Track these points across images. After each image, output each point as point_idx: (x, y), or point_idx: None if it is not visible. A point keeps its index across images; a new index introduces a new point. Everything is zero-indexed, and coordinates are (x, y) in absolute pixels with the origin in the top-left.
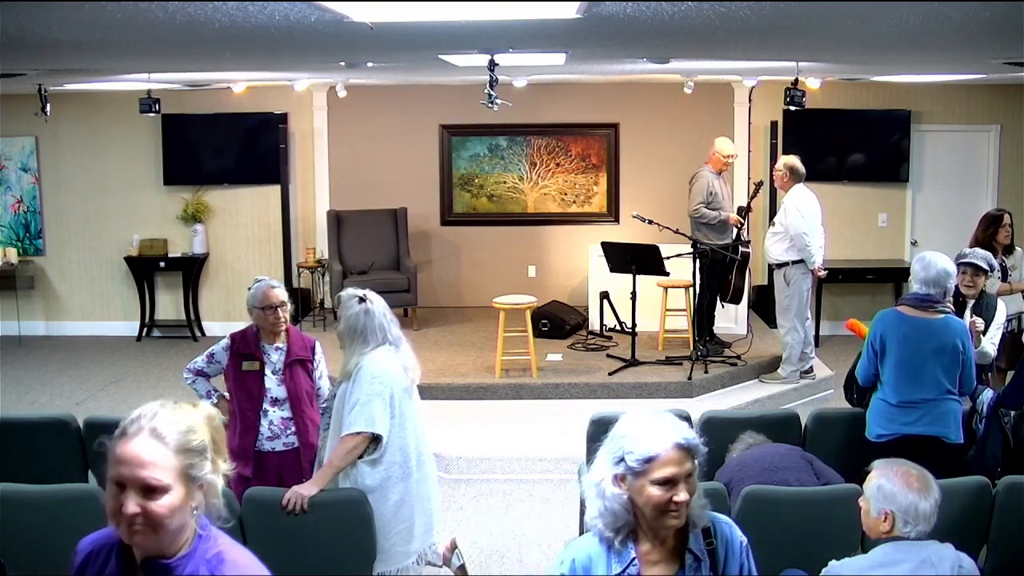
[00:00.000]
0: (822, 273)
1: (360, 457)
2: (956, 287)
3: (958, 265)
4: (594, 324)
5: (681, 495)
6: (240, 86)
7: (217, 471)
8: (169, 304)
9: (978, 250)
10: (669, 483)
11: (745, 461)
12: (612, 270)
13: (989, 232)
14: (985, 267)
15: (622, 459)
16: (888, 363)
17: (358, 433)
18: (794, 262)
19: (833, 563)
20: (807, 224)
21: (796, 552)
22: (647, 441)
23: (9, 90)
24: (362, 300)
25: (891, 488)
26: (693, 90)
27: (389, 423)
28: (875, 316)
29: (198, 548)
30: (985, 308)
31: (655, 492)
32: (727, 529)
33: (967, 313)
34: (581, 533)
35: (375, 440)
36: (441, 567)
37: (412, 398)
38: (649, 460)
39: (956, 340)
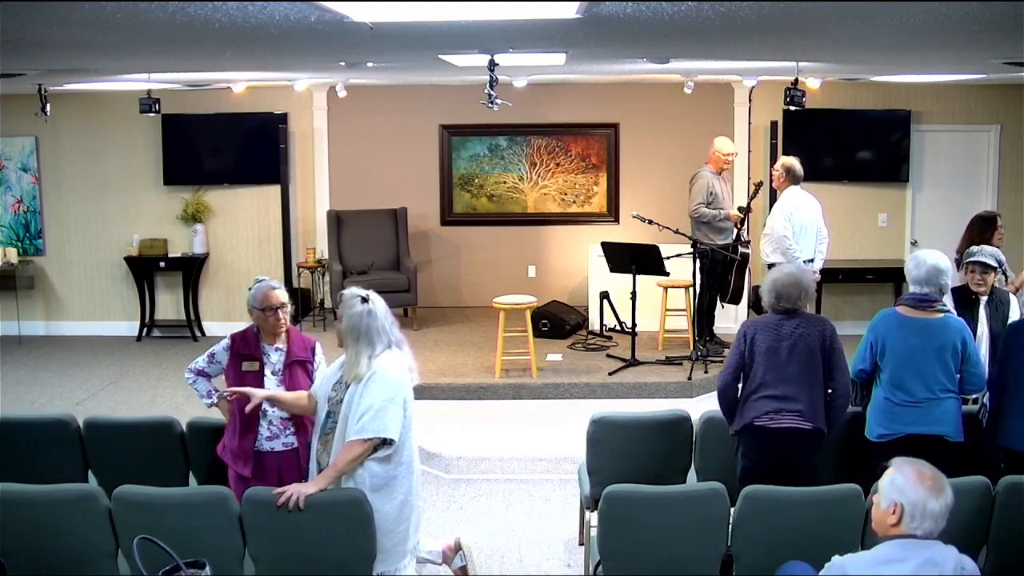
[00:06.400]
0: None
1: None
2: (966, 285)
3: (966, 264)
4: (594, 324)
5: None
6: (240, 86)
7: None
8: (169, 304)
9: (986, 247)
10: None
11: (769, 346)
12: (612, 270)
13: (986, 236)
14: (994, 264)
15: None
16: (890, 363)
17: (367, 440)
18: (780, 264)
19: (836, 559)
20: (790, 228)
21: (796, 552)
22: None
23: (9, 90)
24: (365, 300)
25: (903, 482)
26: (693, 90)
27: (401, 426)
28: (875, 316)
29: None
30: (999, 304)
31: None
32: None
33: (981, 311)
34: (581, 533)
35: (386, 442)
36: (440, 564)
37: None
38: None
39: (955, 339)
